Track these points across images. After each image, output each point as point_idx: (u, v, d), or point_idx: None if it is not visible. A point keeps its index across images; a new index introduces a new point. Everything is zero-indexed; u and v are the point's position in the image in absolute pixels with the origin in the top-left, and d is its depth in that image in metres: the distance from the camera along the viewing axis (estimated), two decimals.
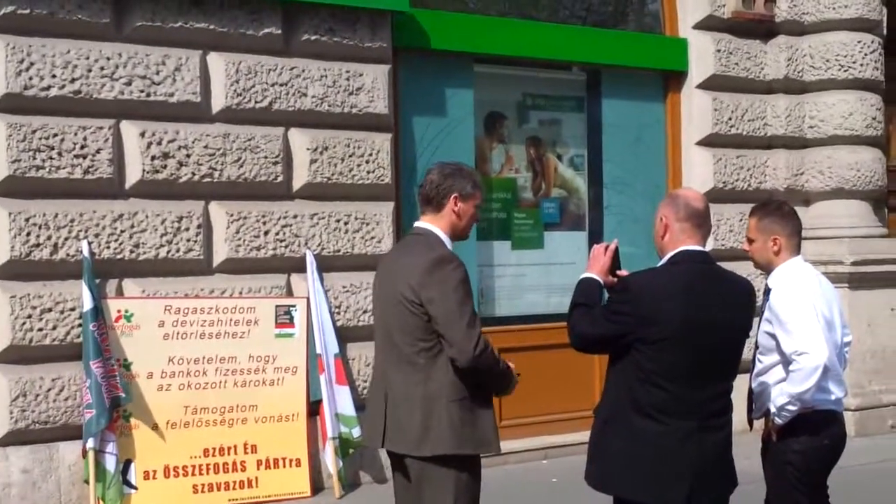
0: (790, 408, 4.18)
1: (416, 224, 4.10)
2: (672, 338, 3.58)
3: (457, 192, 3.99)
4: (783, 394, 4.19)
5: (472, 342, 3.77)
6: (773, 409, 4.25)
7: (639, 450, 3.65)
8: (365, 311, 7.19)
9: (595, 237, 8.74)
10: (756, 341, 4.40)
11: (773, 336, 4.25)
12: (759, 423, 4.58)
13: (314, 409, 6.91)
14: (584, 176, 8.79)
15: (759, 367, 4.40)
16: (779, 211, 4.49)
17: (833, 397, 4.34)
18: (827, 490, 4.48)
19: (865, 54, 9.24)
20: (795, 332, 4.16)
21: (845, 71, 9.20)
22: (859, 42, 9.23)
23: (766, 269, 4.44)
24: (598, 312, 3.77)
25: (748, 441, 4.76)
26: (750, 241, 4.47)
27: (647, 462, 3.64)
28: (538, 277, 8.47)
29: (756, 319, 4.15)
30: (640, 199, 8.72)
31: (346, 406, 6.88)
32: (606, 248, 3.95)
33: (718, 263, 3.93)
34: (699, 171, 8.94)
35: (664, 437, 3.62)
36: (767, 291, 4.35)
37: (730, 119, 9.01)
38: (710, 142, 8.96)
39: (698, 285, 3.72)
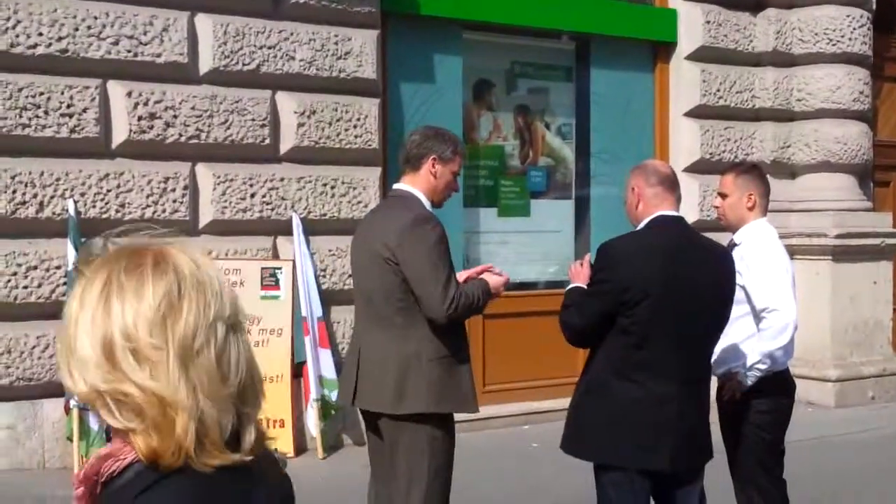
0: (761, 366, 4.21)
1: (395, 186, 4.10)
2: (652, 299, 3.60)
3: (436, 154, 4.00)
4: (754, 351, 4.22)
5: (444, 303, 3.78)
6: (741, 368, 4.27)
7: (619, 415, 3.67)
8: (350, 275, 7.19)
9: (581, 206, 8.79)
10: None
11: (741, 287, 4.28)
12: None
13: (298, 370, 6.95)
14: (572, 145, 8.81)
15: None
16: (755, 170, 4.63)
17: (789, 358, 4.42)
18: (784, 450, 4.52)
19: (854, 28, 9.26)
20: (768, 286, 4.22)
21: (834, 45, 9.22)
22: (848, 16, 9.25)
23: (735, 225, 4.48)
24: (582, 300, 3.78)
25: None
26: (723, 196, 4.50)
27: (627, 426, 3.66)
28: (524, 245, 8.51)
29: None
30: (627, 169, 8.61)
31: (328, 369, 6.93)
32: (581, 263, 3.98)
33: (704, 234, 3.95)
34: (686, 142, 8.98)
35: (644, 401, 3.65)
36: (732, 247, 4.39)
37: (718, 91, 9.03)
38: (697, 113, 8.99)
39: (678, 248, 3.75)
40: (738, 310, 4.30)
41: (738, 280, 4.28)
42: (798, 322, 4.31)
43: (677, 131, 9.03)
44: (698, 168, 8.92)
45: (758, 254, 4.31)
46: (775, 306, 4.20)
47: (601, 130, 8.84)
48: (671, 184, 3.87)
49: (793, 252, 8.88)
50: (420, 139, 4.05)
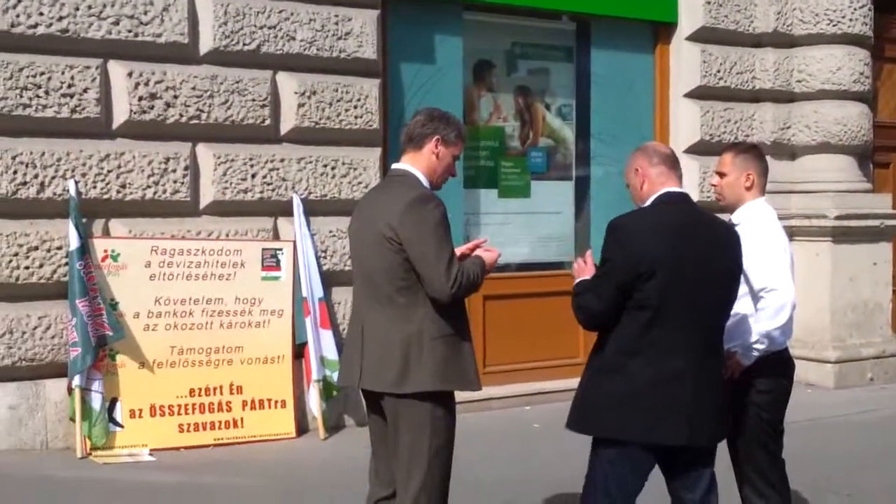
0: (759, 346, 4.21)
1: (395, 166, 4.08)
2: (664, 273, 3.61)
3: (440, 135, 4.00)
4: (752, 331, 4.23)
5: (448, 282, 3.78)
6: (739, 349, 4.27)
7: (634, 391, 3.67)
8: (351, 257, 7.21)
9: (582, 187, 8.79)
10: None
11: None
12: None
13: (299, 351, 6.97)
14: (572, 126, 8.80)
15: None
16: (754, 150, 4.63)
17: (788, 338, 4.41)
18: (783, 429, 4.53)
19: (855, 9, 9.24)
20: (765, 266, 4.22)
21: (834, 26, 9.21)
22: None
23: (733, 205, 4.49)
24: (597, 282, 3.78)
25: None
26: (721, 175, 4.51)
27: (643, 402, 3.67)
28: (524, 226, 8.51)
29: None
30: (628, 150, 8.41)
31: (330, 349, 6.94)
32: (584, 259, 3.99)
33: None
34: (686, 123, 8.97)
35: (659, 376, 3.66)
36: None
37: (718, 72, 9.02)
38: (698, 94, 8.98)
39: (686, 223, 3.77)
40: None
41: None
42: (796, 302, 4.32)
43: (677, 112, 9.02)
44: (698, 149, 8.92)
45: (756, 234, 4.31)
46: (773, 286, 4.20)
47: (601, 111, 8.83)
48: (673, 163, 3.93)
49: (793, 233, 8.95)
50: (425, 119, 4.04)
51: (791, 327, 4.36)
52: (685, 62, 8.96)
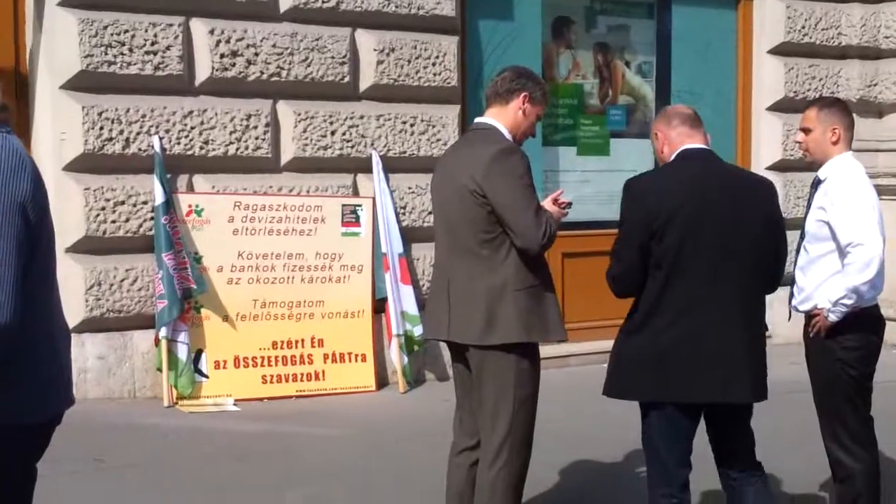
0: (846, 301, 4.11)
1: (478, 119, 4.06)
2: (681, 227, 3.55)
3: (528, 92, 3.97)
4: (839, 287, 4.14)
5: (539, 231, 3.77)
6: (827, 305, 4.20)
7: (659, 350, 3.62)
8: (430, 213, 7.22)
9: None
10: (803, 230, 4.37)
11: (826, 223, 4.21)
12: (798, 327, 4.50)
13: (379, 306, 7.03)
14: (652, 84, 8.69)
15: (805, 257, 4.29)
16: (839, 104, 4.50)
17: (878, 294, 4.29)
18: (871, 387, 4.44)
19: None
20: (852, 221, 4.11)
21: None
22: None
23: (820, 160, 4.37)
24: (617, 246, 3.74)
25: (797, 350, 4.68)
26: (805, 131, 4.41)
27: (669, 360, 3.62)
28: (603, 184, 8.43)
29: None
30: (709, 108, 8.57)
31: (410, 305, 6.99)
32: None
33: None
34: (770, 80, 8.80)
35: (683, 333, 3.60)
36: (817, 183, 4.32)
37: (803, 27, 8.82)
38: (782, 50, 8.80)
39: (706, 177, 3.69)
40: (824, 247, 4.23)
41: (823, 216, 4.22)
42: (884, 257, 4.22)
43: (761, 69, 8.86)
44: (782, 107, 8.75)
45: (842, 189, 4.21)
46: (860, 241, 4.10)
47: (682, 68, 8.70)
48: (693, 122, 3.81)
49: (880, 192, 8.61)
50: (512, 75, 4.02)
51: (881, 283, 4.25)
52: (769, 18, 8.78)
